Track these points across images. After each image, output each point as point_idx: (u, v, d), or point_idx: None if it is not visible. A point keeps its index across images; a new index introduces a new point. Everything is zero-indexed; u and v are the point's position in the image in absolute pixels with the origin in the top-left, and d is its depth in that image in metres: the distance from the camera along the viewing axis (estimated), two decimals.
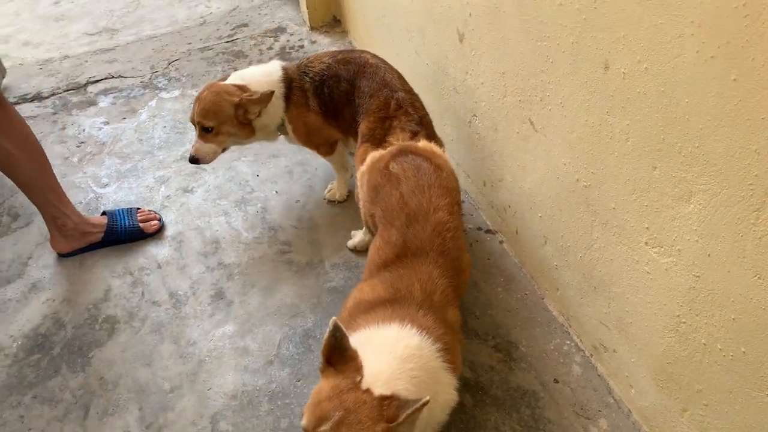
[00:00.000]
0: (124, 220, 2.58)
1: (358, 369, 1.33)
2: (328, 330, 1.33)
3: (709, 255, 1.36)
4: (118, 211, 2.62)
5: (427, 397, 1.23)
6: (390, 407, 1.24)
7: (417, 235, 1.71)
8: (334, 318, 1.34)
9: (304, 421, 1.29)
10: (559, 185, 1.87)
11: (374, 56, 2.33)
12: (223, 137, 2.34)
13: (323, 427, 1.25)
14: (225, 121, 2.28)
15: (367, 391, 1.28)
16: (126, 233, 2.57)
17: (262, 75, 2.38)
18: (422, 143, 2.03)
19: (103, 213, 2.62)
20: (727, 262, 1.31)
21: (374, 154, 2.05)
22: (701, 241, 1.37)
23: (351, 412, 1.25)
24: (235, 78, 2.37)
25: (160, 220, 2.65)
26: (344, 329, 1.35)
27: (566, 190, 1.84)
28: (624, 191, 1.57)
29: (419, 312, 1.56)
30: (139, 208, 2.66)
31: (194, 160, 2.35)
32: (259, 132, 2.41)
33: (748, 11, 1.08)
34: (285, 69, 2.40)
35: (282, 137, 2.54)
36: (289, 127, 2.45)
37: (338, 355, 1.34)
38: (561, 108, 1.74)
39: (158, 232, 2.63)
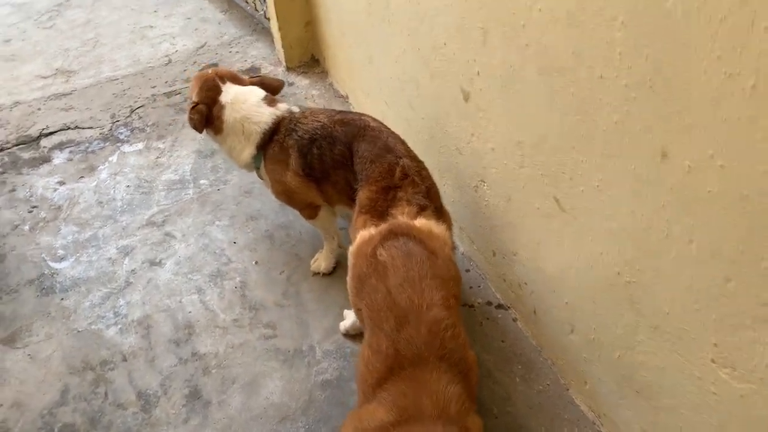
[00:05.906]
0: None
1: None
2: None
3: None
4: None
5: None
6: None
7: (411, 340, 1.47)
8: None
9: None
10: (593, 275, 1.61)
11: (375, 120, 2.08)
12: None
13: None
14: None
15: None
16: None
17: (244, 118, 2.17)
18: (419, 221, 1.77)
19: None
20: None
21: (363, 234, 1.78)
22: None
23: None
24: (232, 93, 2.21)
25: None
26: None
27: (603, 281, 1.58)
28: (684, 299, 1.32)
29: (439, 428, 1.35)
30: None
31: None
32: (218, 141, 2.28)
33: None
34: (278, 120, 2.16)
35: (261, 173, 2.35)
36: (266, 178, 2.26)
37: None
38: (597, 192, 1.48)
39: None
